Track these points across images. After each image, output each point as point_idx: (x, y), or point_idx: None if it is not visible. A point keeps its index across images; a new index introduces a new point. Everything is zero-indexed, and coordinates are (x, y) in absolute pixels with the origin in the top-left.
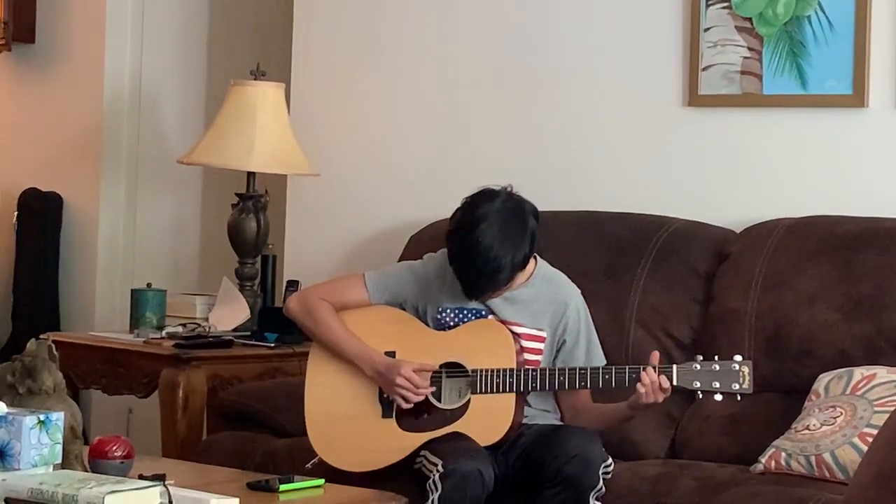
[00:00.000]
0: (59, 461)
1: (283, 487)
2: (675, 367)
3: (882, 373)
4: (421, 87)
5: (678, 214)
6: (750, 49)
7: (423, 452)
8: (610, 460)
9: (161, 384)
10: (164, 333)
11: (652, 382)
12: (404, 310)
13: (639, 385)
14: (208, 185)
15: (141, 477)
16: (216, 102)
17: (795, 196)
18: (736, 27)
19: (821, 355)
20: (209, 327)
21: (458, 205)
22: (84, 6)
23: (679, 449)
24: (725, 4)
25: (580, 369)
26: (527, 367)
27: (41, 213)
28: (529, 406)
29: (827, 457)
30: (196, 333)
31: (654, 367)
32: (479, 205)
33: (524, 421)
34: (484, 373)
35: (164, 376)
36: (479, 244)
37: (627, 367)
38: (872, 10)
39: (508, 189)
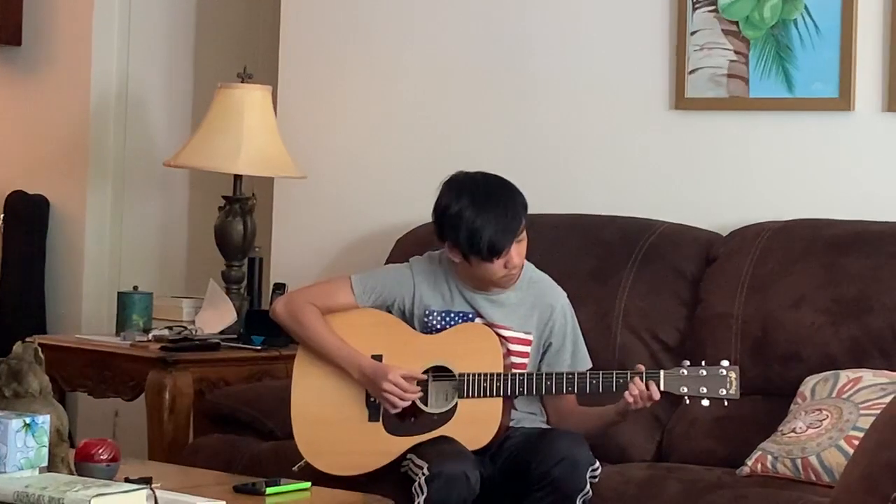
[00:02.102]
0: (45, 464)
1: (269, 490)
2: (662, 372)
3: (868, 376)
4: (408, 91)
5: (665, 217)
6: (736, 52)
7: (409, 455)
8: (597, 463)
9: (147, 387)
10: (150, 336)
11: (641, 392)
12: (391, 313)
13: (627, 394)
14: (195, 188)
15: (127, 480)
16: (203, 105)
17: (782, 199)
18: (722, 30)
19: (807, 358)
20: (196, 330)
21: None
22: (71, 8)
23: (666, 452)
24: (712, 8)
25: (567, 374)
26: (514, 370)
27: (27, 216)
28: (516, 409)
29: (813, 459)
30: (183, 336)
31: (642, 376)
32: (450, 203)
33: (511, 424)
34: (471, 377)
35: (151, 379)
36: (478, 226)
37: (615, 373)
38: (858, 13)
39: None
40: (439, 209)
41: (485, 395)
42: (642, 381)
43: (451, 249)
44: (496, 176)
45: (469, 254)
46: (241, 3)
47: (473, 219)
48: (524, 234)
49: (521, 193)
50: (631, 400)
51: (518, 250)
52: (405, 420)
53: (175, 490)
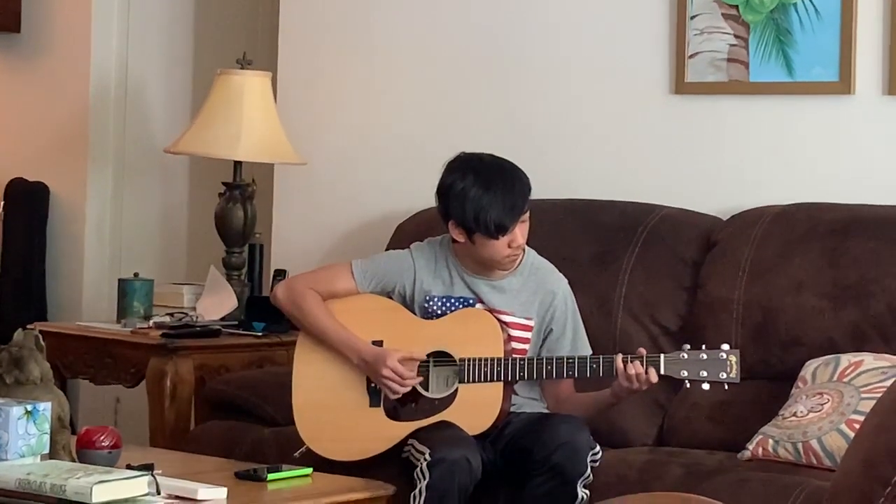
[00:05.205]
0: (46, 451)
1: (271, 476)
2: (662, 356)
3: (869, 359)
4: (408, 76)
5: (665, 202)
6: (736, 36)
7: (410, 441)
8: (598, 448)
9: (148, 374)
10: (151, 323)
11: (638, 374)
12: (391, 298)
13: (619, 362)
14: (195, 175)
15: (129, 467)
16: (203, 91)
17: (782, 183)
18: (722, 15)
19: (808, 342)
20: (196, 317)
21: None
22: None
23: (667, 436)
24: None
25: (567, 358)
26: (514, 356)
27: (28, 203)
28: (517, 394)
29: (814, 443)
30: (183, 323)
31: (642, 360)
32: (456, 180)
33: (512, 409)
34: (471, 362)
35: (152, 366)
36: (484, 203)
37: (615, 356)
38: None
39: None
40: (444, 187)
41: (485, 381)
42: (642, 364)
43: (455, 228)
44: (500, 157)
45: (474, 231)
46: None
47: (480, 196)
48: (528, 214)
49: (524, 173)
50: (623, 375)
51: (522, 230)
52: (406, 405)
53: (177, 476)
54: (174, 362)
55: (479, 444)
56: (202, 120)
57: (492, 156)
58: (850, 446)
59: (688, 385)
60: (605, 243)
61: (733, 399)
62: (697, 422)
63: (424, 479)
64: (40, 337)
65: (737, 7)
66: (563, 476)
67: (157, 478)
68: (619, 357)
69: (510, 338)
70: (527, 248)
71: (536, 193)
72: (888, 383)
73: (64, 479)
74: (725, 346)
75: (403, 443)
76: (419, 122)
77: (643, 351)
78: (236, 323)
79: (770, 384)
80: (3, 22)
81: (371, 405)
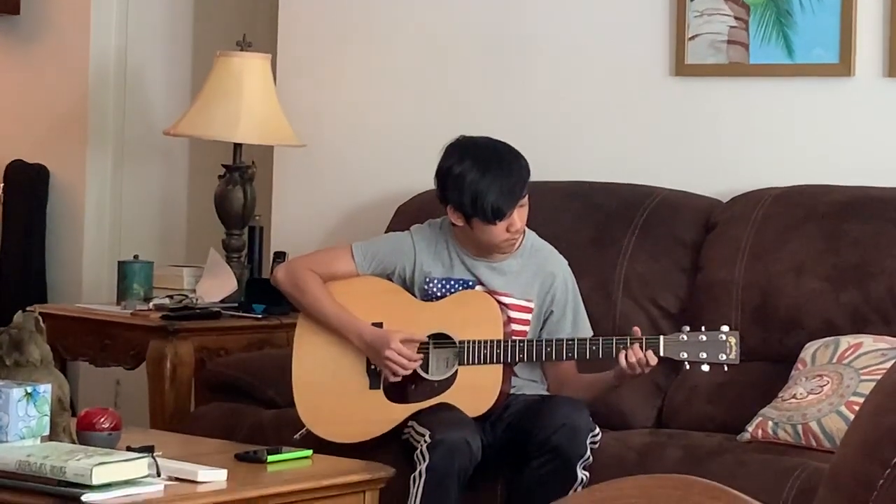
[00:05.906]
0: (46, 433)
1: (271, 458)
2: (662, 338)
3: (868, 341)
4: (408, 57)
5: (665, 184)
6: (737, 18)
7: (410, 423)
8: (597, 430)
9: (148, 356)
10: (151, 305)
11: (639, 360)
12: (391, 280)
13: (622, 357)
14: (195, 157)
15: (129, 448)
16: (202, 74)
17: (782, 165)
18: None
19: (808, 324)
20: (196, 299)
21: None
22: None
23: (666, 418)
24: None
25: (567, 340)
26: (514, 338)
27: (27, 186)
28: (517, 376)
29: (814, 425)
30: (183, 305)
31: (641, 343)
32: (453, 165)
33: (512, 391)
34: (471, 344)
35: (152, 348)
36: (482, 188)
37: (614, 338)
38: None
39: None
40: (442, 171)
41: (485, 362)
42: (642, 348)
43: (453, 212)
44: (499, 140)
45: (472, 216)
46: None
47: (477, 181)
48: (526, 198)
49: (524, 158)
50: (625, 365)
51: (520, 214)
52: (406, 387)
53: (177, 458)
54: (174, 344)
55: (478, 426)
56: (202, 102)
57: (490, 139)
58: (850, 428)
59: (687, 366)
60: (604, 226)
61: (733, 381)
62: (697, 404)
63: (424, 460)
64: (40, 319)
65: None
66: (562, 458)
67: (157, 459)
68: (618, 340)
69: (510, 320)
70: (527, 229)
71: (535, 176)
72: (888, 365)
73: (64, 461)
74: (725, 328)
75: (403, 425)
76: (419, 104)
77: (638, 330)
78: (236, 305)
79: (770, 366)
80: (2, 4)
81: (371, 387)
